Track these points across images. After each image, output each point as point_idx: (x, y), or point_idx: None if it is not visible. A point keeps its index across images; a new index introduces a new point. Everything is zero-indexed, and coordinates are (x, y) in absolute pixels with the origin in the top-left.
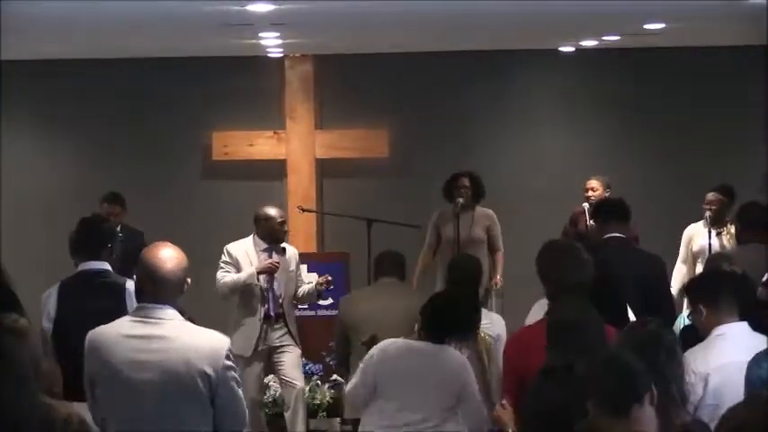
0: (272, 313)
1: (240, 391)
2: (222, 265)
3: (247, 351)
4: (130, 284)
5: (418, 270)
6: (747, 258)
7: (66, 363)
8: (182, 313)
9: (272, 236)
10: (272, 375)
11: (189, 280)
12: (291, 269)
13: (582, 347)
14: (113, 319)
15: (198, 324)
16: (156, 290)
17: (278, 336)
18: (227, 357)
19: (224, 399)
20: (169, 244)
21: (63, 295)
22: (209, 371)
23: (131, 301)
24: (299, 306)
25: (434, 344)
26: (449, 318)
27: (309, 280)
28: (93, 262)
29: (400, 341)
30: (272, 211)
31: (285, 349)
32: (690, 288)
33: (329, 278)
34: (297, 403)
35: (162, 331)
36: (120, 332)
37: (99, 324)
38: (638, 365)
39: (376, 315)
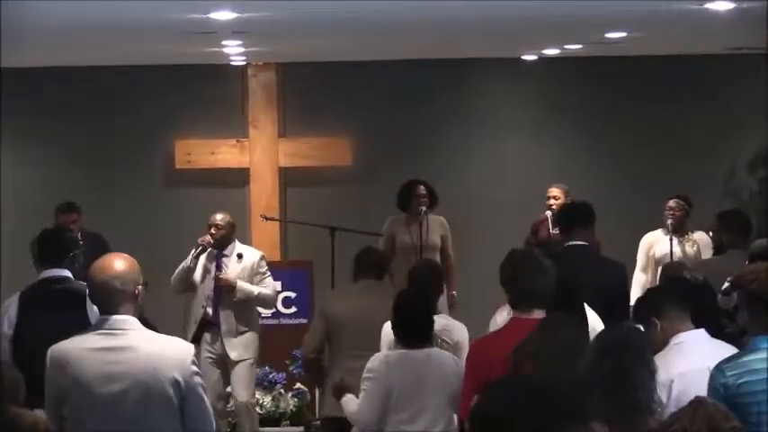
0: (211, 317)
1: (206, 397)
2: None
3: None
4: None
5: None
6: (722, 265)
7: (24, 369)
8: (144, 321)
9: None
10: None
11: (140, 288)
12: (243, 276)
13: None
14: (74, 326)
15: (159, 330)
16: (112, 301)
17: (227, 344)
18: (194, 363)
19: (193, 405)
20: (117, 254)
21: (24, 303)
22: (179, 377)
23: (92, 308)
24: (262, 314)
25: (421, 349)
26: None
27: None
28: (54, 270)
29: (395, 352)
30: (210, 218)
31: (235, 360)
32: (640, 303)
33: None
34: (241, 417)
35: (127, 342)
36: (85, 346)
37: (59, 331)
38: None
39: (360, 316)
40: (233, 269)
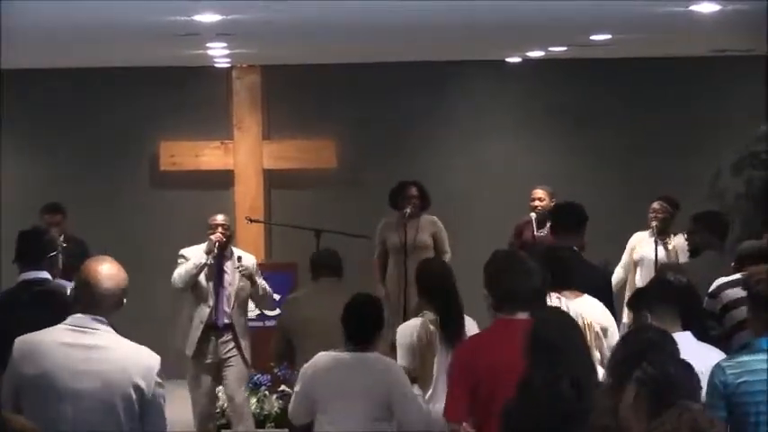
0: (218, 322)
1: (165, 411)
2: (178, 265)
3: (190, 350)
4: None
5: (379, 277)
6: (703, 267)
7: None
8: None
9: (210, 240)
10: (221, 387)
11: (125, 300)
12: (243, 280)
13: (568, 364)
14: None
15: (145, 335)
16: (95, 304)
17: (226, 349)
18: (159, 374)
19: (150, 416)
20: (111, 259)
21: (3, 305)
22: (143, 385)
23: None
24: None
25: (361, 352)
26: (372, 322)
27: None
28: (33, 271)
29: (330, 354)
30: (212, 219)
31: (231, 362)
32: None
33: None
34: (238, 418)
35: (99, 341)
36: (55, 340)
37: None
38: None
39: (320, 317)
40: (233, 271)
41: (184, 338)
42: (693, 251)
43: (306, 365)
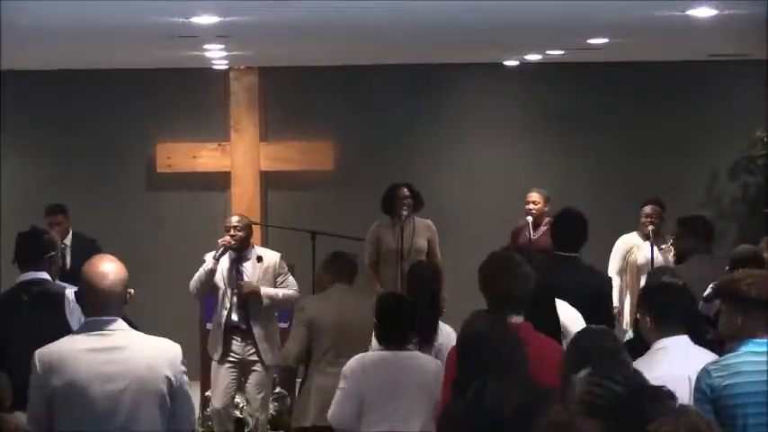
0: (239, 323)
1: (190, 394)
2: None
3: (214, 354)
4: (70, 292)
5: (377, 282)
6: (692, 271)
7: (2, 371)
8: (129, 324)
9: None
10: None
11: (131, 291)
12: (264, 279)
13: (493, 364)
14: (51, 328)
15: (152, 331)
16: (102, 303)
17: (248, 351)
18: (183, 363)
19: (180, 402)
20: (109, 257)
21: (1, 305)
22: (170, 375)
23: (70, 309)
24: None
25: (403, 351)
26: (408, 321)
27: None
28: (32, 272)
29: (375, 353)
30: (226, 221)
31: (254, 367)
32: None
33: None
34: (254, 423)
35: (120, 342)
36: (78, 347)
37: (36, 333)
38: None
39: (336, 322)
40: (253, 272)
41: (211, 341)
42: (680, 256)
43: (351, 365)
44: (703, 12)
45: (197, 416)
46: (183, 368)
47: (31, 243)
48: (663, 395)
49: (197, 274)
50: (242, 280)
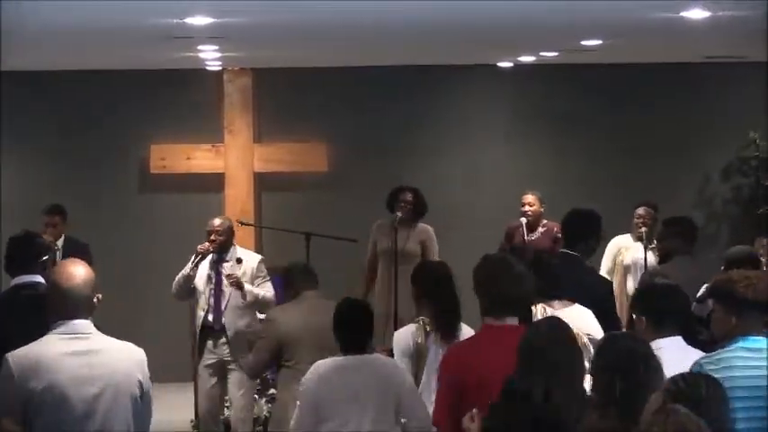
0: (216, 325)
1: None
2: None
3: (192, 354)
4: None
5: (369, 278)
6: (675, 272)
7: None
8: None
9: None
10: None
11: (99, 296)
12: (244, 280)
13: (555, 373)
14: (43, 331)
15: (137, 338)
16: (74, 306)
17: (224, 351)
18: (147, 366)
19: (144, 404)
20: (78, 261)
21: None
22: (141, 378)
23: None
24: None
25: (361, 355)
26: (366, 326)
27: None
28: (25, 276)
29: (330, 360)
30: (208, 224)
31: (232, 365)
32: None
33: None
34: (236, 423)
35: (95, 345)
36: (56, 351)
37: (28, 337)
38: None
39: (308, 329)
40: (232, 273)
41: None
42: (664, 256)
43: (306, 377)
44: (697, 14)
45: (191, 419)
46: (148, 371)
47: (24, 247)
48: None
49: (175, 279)
50: (221, 281)
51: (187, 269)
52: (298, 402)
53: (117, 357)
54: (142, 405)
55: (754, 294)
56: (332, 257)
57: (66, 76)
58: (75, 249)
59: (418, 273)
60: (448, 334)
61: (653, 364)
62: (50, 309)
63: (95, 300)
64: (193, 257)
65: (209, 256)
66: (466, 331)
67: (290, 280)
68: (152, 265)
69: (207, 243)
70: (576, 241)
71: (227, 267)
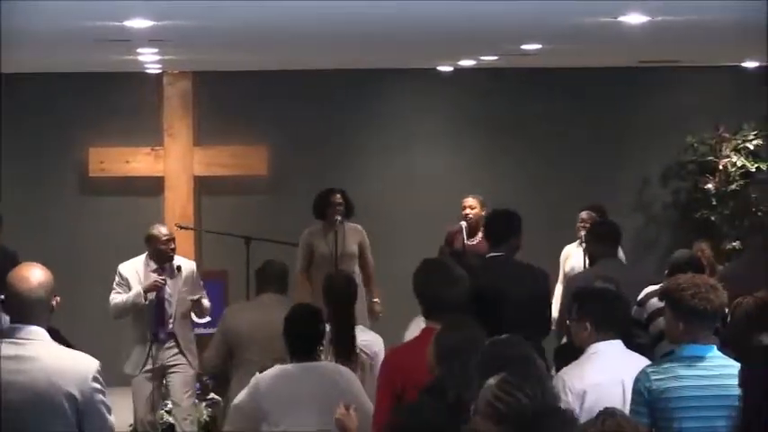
0: (160, 334)
1: (109, 416)
2: (114, 286)
3: (136, 371)
4: None
5: (310, 290)
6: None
7: None
8: (52, 332)
9: (159, 255)
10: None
11: (57, 299)
12: (185, 288)
13: (470, 371)
14: None
15: (77, 343)
16: (24, 311)
17: (169, 355)
18: (95, 380)
19: (90, 420)
20: (35, 264)
21: None
22: (76, 393)
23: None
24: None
25: (308, 363)
26: (314, 333)
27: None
28: None
29: (278, 367)
30: (155, 231)
31: (176, 369)
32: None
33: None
34: (182, 424)
35: (29, 352)
36: None
37: None
38: None
39: (260, 331)
40: (174, 282)
41: (130, 360)
42: (591, 260)
43: (256, 379)
44: (635, 18)
45: (130, 424)
46: (97, 385)
47: None
48: (566, 417)
49: (121, 302)
50: (163, 291)
51: (139, 299)
52: (239, 401)
53: (48, 367)
54: (85, 421)
55: (703, 304)
56: (260, 264)
57: (2, 78)
58: (5, 258)
59: (326, 285)
60: (343, 353)
61: (535, 365)
62: (8, 311)
63: (54, 303)
64: (144, 290)
65: (149, 263)
66: (374, 340)
67: (257, 279)
68: (91, 269)
69: (161, 280)
70: (499, 242)
71: (170, 283)
